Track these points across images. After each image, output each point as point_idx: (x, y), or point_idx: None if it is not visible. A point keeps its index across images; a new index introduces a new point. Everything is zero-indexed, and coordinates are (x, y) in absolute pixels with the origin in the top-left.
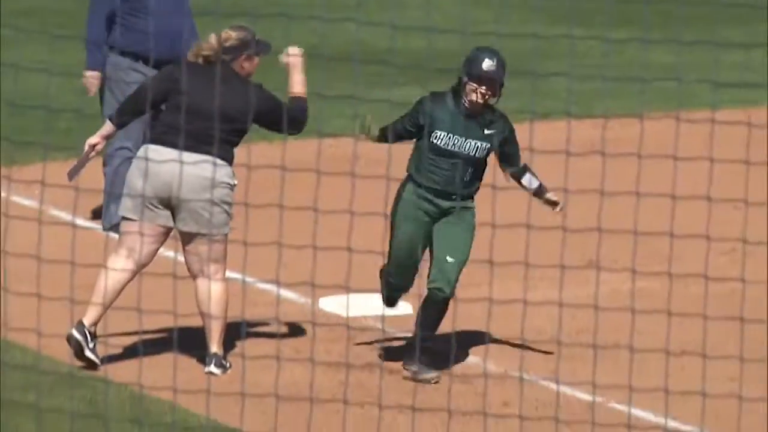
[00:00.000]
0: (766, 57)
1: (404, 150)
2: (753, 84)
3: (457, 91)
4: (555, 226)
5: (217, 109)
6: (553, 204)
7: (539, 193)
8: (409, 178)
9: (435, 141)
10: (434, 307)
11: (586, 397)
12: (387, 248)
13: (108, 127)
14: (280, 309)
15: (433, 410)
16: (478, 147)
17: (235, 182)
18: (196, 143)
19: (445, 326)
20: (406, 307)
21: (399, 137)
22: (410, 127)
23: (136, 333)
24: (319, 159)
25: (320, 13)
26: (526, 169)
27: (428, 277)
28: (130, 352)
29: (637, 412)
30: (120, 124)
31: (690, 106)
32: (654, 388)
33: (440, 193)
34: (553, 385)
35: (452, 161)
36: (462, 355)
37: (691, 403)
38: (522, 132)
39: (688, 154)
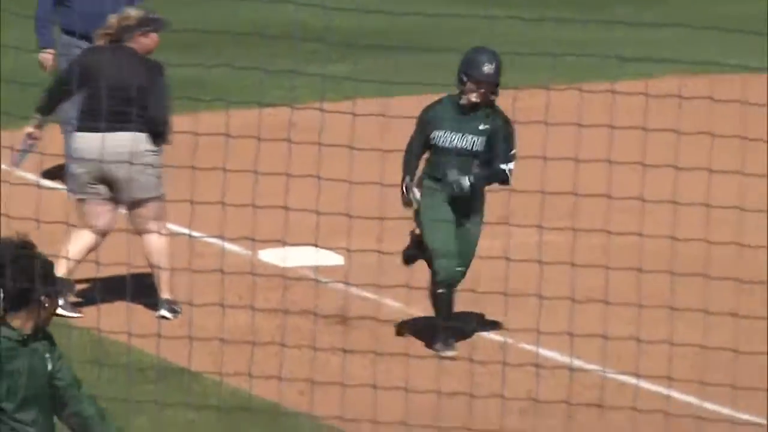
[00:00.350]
0: (669, 34)
1: (336, 117)
2: (651, 58)
3: (456, 92)
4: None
5: (132, 87)
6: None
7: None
8: (425, 175)
9: (435, 141)
10: (449, 290)
11: (498, 338)
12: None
13: (38, 117)
14: (224, 260)
15: (363, 352)
16: (474, 141)
17: (158, 147)
18: (116, 121)
19: (376, 278)
20: (337, 258)
21: (416, 155)
22: (421, 139)
23: (94, 283)
24: (259, 126)
25: None
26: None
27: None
28: (89, 300)
29: (545, 353)
30: (47, 113)
31: (593, 79)
32: (560, 331)
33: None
34: (496, 336)
35: (455, 157)
36: (388, 303)
37: (593, 345)
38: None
39: (591, 121)
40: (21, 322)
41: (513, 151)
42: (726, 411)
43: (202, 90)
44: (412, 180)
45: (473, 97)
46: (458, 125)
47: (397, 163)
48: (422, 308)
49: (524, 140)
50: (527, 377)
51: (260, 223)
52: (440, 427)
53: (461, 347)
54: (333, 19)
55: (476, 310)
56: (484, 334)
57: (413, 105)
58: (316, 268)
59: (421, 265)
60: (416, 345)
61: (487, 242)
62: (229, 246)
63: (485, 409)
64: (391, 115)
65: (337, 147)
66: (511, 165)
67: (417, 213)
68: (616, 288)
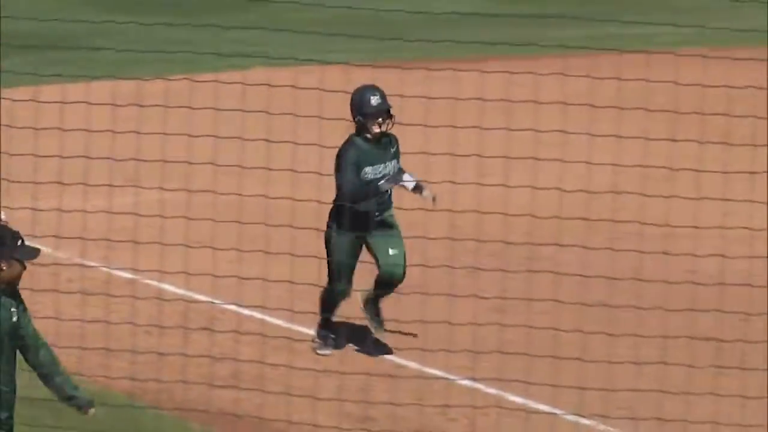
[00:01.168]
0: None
1: (18, 105)
2: (245, 54)
3: (359, 132)
4: (104, 157)
5: None
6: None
7: (417, 189)
8: (334, 226)
9: (367, 176)
10: (390, 286)
11: (129, 276)
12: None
13: None
14: None
15: (21, 288)
16: (392, 166)
17: None
18: None
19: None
20: None
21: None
22: (357, 175)
23: None
24: None
25: None
26: (401, 171)
27: (380, 268)
28: None
29: (166, 287)
30: None
31: (202, 71)
32: (177, 271)
33: (377, 209)
34: (127, 275)
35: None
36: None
37: (205, 281)
38: (78, 90)
39: (202, 105)
40: None
41: None
42: (310, 331)
43: None
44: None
45: (375, 129)
46: (379, 156)
47: (46, 139)
48: (70, 252)
49: (146, 117)
50: (152, 306)
51: None
52: (84, 348)
53: (99, 286)
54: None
55: (109, 254)
56: (116, 272)
57: (59, 92)
58: None
59: (72, 220)
60: (65, 282)
61: (119, 200)
62: None
63: (120, 332)
64: (41, 100)
65: None
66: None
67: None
68: (221, 235)
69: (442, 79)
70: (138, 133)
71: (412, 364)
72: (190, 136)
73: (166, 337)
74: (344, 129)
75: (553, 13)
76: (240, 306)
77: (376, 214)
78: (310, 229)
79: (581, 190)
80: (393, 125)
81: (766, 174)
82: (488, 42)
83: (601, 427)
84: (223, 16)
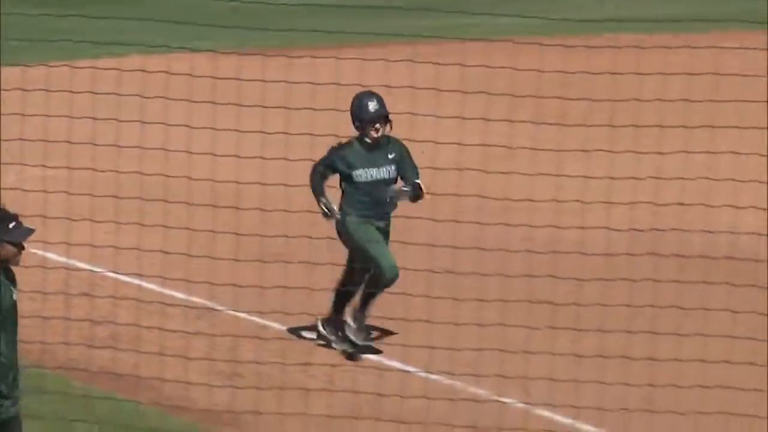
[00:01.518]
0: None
1: None
2: (122, 42)
3: (359, 136)
4: (10, 138)
5: None
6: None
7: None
8: (349, 215)
9: (357, 179)
10: (385, 286)
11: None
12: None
13: None
14: None
15: None
16: (389, 170)
17: None
18: None
19: None
20: None
21: (323, 178)
22: (329, 170)
23: None
24: None
25: None
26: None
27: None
28: None
29: (50, 255)
30: None
31: (81, 58)
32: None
33: (375, 216)
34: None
35: (374, 189)
36: None
37: (84, 250)
38: None
39: (81, 89)
40: None
41: (417, 169)
42: (181, 296)
43: None
44: (327, 199)
45: (374, 134)
46: (373, 160)
47: None
48: None
49: (30, 101)
50: (35, 274)
51: None
52: None
53: None
54: None
55: None
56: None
57: None
58: None
59: None
60: None
61: (5, 177)
62: None
63: None
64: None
65: None
66: (418, 179)
67: (350, 241)
68: (99, 209)
69: (302, 66)
70: (23, 115)
71: (276, 325)
72: (70, 117)
73: (48, 302)
74: (212, 111)
75: (401, 4)
76: (117, 273)
77: (384, 216)
78: (181, 203)
79: (428, 167)
80: (392, 129)
81: (597, 151)
82: (344, 31)
83: (447, 382)
84: (101, 7)
